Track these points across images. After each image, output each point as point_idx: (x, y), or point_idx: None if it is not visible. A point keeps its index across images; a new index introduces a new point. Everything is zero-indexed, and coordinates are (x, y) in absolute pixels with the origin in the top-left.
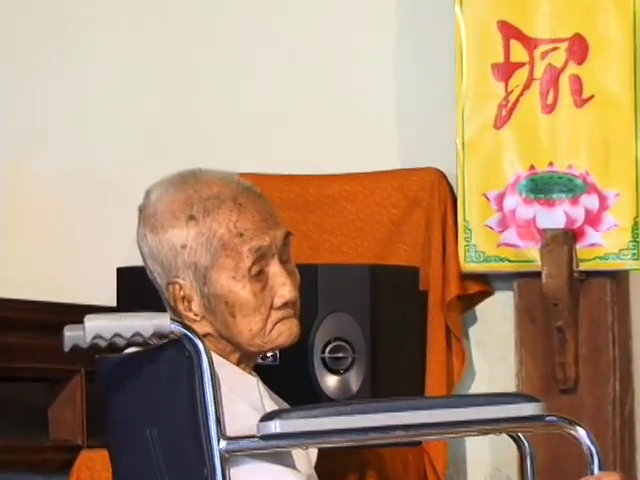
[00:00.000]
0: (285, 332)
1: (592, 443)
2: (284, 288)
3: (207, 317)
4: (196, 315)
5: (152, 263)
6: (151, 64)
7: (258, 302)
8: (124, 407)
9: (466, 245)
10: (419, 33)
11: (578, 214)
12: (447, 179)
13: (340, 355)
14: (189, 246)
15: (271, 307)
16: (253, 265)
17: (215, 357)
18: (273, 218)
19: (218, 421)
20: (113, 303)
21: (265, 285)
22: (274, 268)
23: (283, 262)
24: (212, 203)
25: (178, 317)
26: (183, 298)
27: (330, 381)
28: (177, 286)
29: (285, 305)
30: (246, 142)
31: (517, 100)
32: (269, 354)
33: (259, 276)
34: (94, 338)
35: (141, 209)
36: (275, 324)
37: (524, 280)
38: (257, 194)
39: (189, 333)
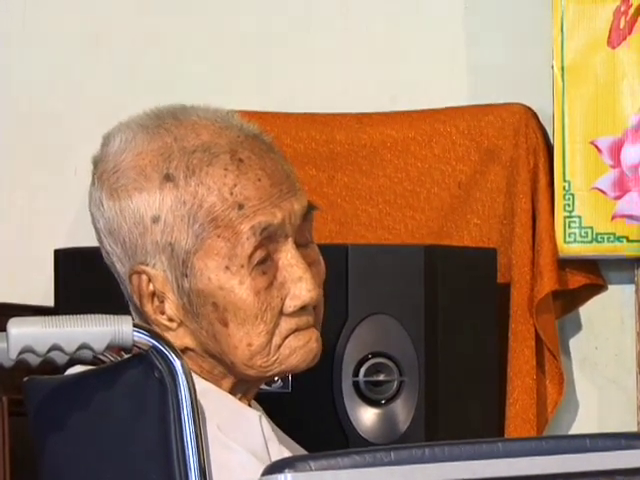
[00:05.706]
0: (300, 350)
1: None
2: (300, 285)
3: (187, 324)
4: (171, 320)
5: (110, 242)
6: None
7: (262, 305)
8: (64, 450)
9: (567, 217)
10: None
11: None
12: (539, 120)
13: (381, 378)
14: (163, 219)
15: (280, 313)
16: (256, 251)
17: (199, 381)
18: (289, 182)
19: (203, 474)
20: (50, 301)
21: (273, 280)
22: (287, 255)
23: (301, 246)
24: (199, 157)
25: (145, 321)
26: (152, 295)
27: (366, 416)
28: (144, 277)
29: (301, 310)
30: (242, 66)
31: None
32: (276, 378)
33: (264, 266)
34: (22, 352)
35: (96, 162)
36: (285, 338)
37: None
38: (267, 145)
39: (160, 345)
